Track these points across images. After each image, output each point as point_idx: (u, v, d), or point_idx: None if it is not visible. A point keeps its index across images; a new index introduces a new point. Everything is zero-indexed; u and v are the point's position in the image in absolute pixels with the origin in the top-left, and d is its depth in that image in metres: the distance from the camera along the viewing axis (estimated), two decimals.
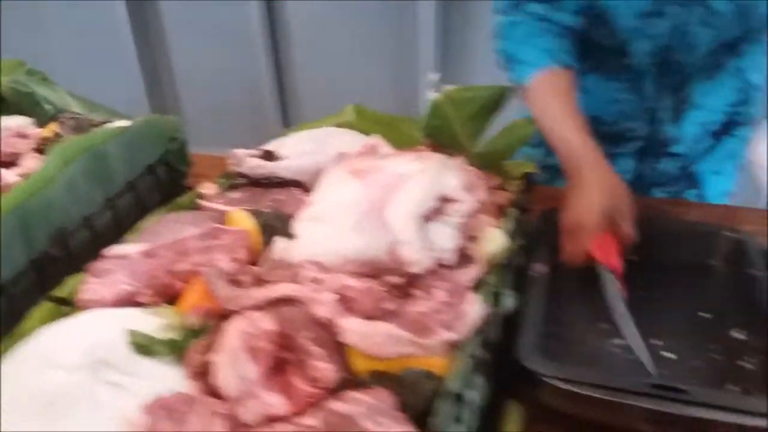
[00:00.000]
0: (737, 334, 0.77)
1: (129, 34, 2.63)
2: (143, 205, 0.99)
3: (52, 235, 0.83)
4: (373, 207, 0.67)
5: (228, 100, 2.67)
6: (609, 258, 0.78)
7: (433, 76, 0.92)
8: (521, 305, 0.73)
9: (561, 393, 0.65)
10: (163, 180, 1.05)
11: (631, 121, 1.05)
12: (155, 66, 2.77)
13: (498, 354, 0.67)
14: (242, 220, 0.74)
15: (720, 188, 1.13)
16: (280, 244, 0.69)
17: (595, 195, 0.78)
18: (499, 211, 0.85)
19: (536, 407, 0.69)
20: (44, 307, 0.69)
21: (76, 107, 1.14)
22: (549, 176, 1.09)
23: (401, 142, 0.99)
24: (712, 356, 0.74)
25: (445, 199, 0.71)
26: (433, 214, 0.70)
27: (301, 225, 0.70)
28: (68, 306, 0.69)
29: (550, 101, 0.89)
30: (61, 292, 0.71)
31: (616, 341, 0.76)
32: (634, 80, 1.02)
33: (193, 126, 2.88)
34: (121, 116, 1.12)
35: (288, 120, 2.63)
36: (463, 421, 0.59)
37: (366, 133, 0.99)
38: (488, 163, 0.95)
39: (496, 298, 0.70)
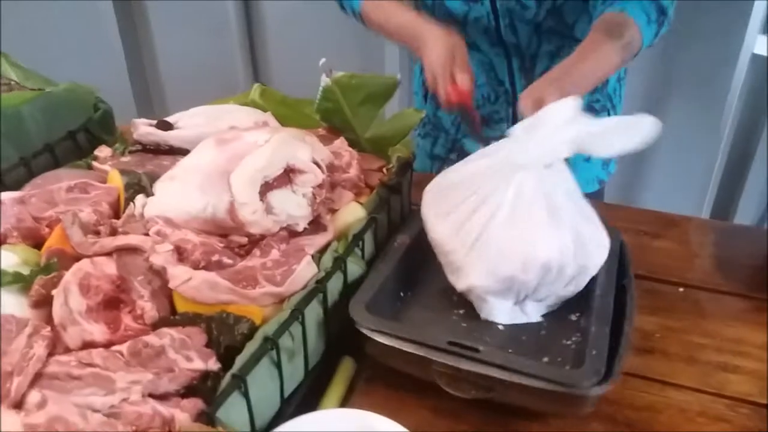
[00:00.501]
0: (572, 317, 0.83)
1: (116, 29, 2.73)
2: (60, 166, 1.07)
3: None
4: (220, 170, 0.74)
5: (207, 91, 2.75)
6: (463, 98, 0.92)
7: (324, 61, 0.98)
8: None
9: (378, 346, 0.72)
10: (84, 146, 1.11)
11: (492, 104, 1.15)
12: (141, 58, 2.86)
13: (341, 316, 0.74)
14: (114, 178, 0.81)
15: (591, 174, 1.22)
16: (139, 201, 0.77)
17: (436, 50, 0.94)
18: (369, 189, 0.92)
19: (367, 362, 0.76)
20: None
21: (13, 75, 1.21)
22: (437, 165, 1.16)
23: (302, 123, 1.06)
24: (541, 333, 0.81)
25: (294, 170, 0.77)
26: (281, 182, 0.77)
27: (159, 184, 0.78)
28: None
29: (384, 7, 1.06)
30: None
31: (457, 311, 0.83)
32: (488, 64, 1.13)
33: (176, 107, 2.98)
34: (55, 85, 1.20)
35: None
36: (280, 366, 0.66)
37: (270, 111, 1.06)
38: (378, 147, 1.03)
39: (342, 265, 0.77)
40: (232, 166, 0.74)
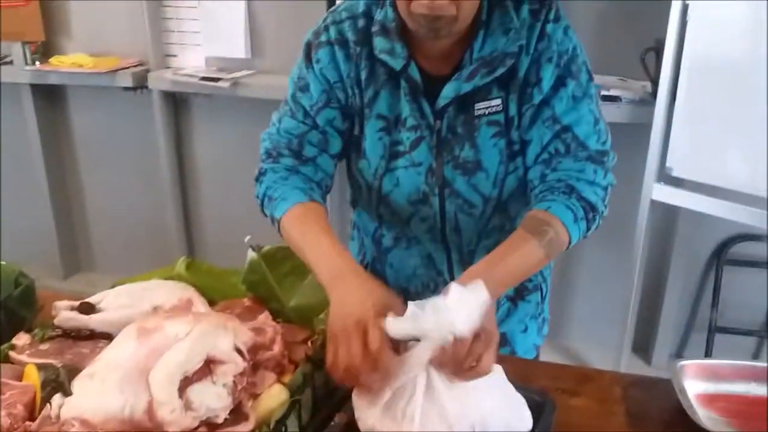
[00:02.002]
0: None
1: (42, 169, 2.75)
2: None
3: None
4: (140, 366, 0.75)
5: (135, 233, 2.77)
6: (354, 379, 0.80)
7: (249, 238, 1.02)
8: None
9: None
10: (2, 324, 1.10)
11: (432, 292, 1.14)
12: (67, 200, 2.87)
13: None
14: (30, 374, 0.80)
15: (528, 343, 1.25)
16: (56, 401, 0.75)
17: (347, 310, 0.82)
18: (293, 365, 0.93)
19: None
20: None
21: None
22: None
23: (229, 293, 1.09)
24: None
25: (214, 361, 0.79)
26: (201, 375, 0.78)
27: (77, 382, 0.77)
28: None
29: (305, 227, 0.98)
30: None
31: None
32: (427, 255, 1.15)
33: (101, 255, 2.96)
34: None
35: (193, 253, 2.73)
36: None
37: (195, 284, 1.08)
38: (302, 316, 1.05)
39: None
40: (152, 362, 0.75)
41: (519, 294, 1.20)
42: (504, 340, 1.22)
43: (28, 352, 0.90)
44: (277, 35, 2.37)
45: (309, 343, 0.99)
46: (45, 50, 2.57)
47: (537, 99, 0.99)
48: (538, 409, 0.89)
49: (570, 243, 0.97)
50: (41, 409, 0.77)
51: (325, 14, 1.08)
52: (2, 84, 2.62)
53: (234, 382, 0.80)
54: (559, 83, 0.99)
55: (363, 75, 1.04)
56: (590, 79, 1.02)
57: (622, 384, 1.11)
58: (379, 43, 1.01)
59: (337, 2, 2.12)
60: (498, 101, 1.01)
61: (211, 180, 2.68)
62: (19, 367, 0.87)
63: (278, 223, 1.02)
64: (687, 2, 1.73)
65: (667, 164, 1.86)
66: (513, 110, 1.01)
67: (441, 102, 1.01)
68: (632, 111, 1.97)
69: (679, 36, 1.77)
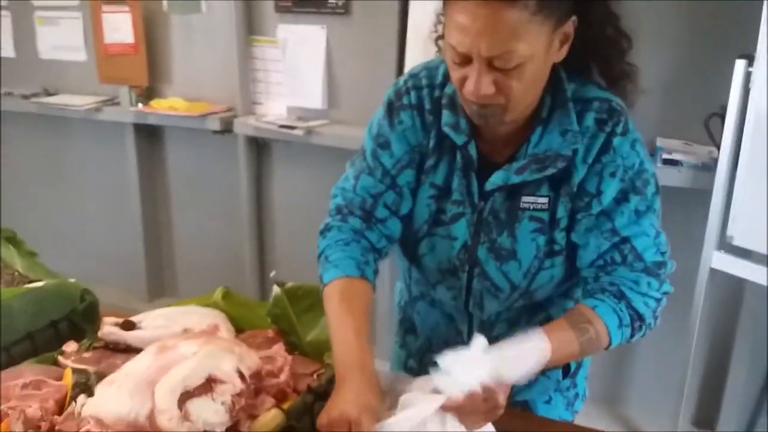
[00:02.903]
0: None
1: (137, 199, 3.02)
2: (38, 353, 1.18)
3: None
4: (150, 378, 0.85)
5: (214, 263, 2.97)
6: None
7: (274, 273, 1.11)
8: None
9: None
10: (64, 334, 1.24)
11: (451, 346, 1.07)
12: (157, 229, 3.13)
13: None
14: (66, 376, 0.92)
15: (554, 415, 1.23)
16: (80, 401, 0.87)
17: (332, 408, 0.86)
18: (297, 395, 1.00)
19: None
20: None
21: (19, 266, 1.38)
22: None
23: (257, 323, 1.19)
24: None
25: (215, 380, 0.87)
26: (202, 390, 0.86)
27: (99, 387, 0.88)
28: None
29: (342, 305, 0.99)
30: None
31: None
32: (450, 317, 1.17)
33: (183, 281, 3.18)
34: (55, 276, 1.36)
35: (264, 290, 2.88)
36: None
37: (228, 312, 1.19)
38: (317, 351, 1.13)
39: None
40: (161, 375, 0.85)
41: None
42: (525, 407, 1.22)
43: (72, 358, 1.03)
44: (351, 89, 2.52)
45: (315, 375, 1.06)
46: (148, 94, 2.86)
47: (596, 210, 0.99)
48: None
49: (609, 346, 0.98)
50: (68, 406, 0.89)
51: (405, 75, 1.10)
52: (110, 122, 2.93)
53: (232, 401, 0.88)
54: (622, 198, 0.98)
55: (431, 144, 1.06)
56: (656, 192, 1.01)
57: None
58: (446, 116, 1.03)
59: (407, 65, 2.27)
60: (545, 200, 1.01)
61: (285, 219, 2.84)
62: (62, 370, 1.00)
63: (323, 287, 1.03)
64: (750, 69, 1.71)
65: (728, 232, 1.80)
66: (561, 212, 1.01)
67: (489, 186, 1.02)
68: (694, 176, 1.93)
69: (742, 101, 1.73)
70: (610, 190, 0.98)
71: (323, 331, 1.14)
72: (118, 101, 2.89)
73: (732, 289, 2.08)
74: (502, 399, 0.87)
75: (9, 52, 3.23)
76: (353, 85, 2.50)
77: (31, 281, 1.29)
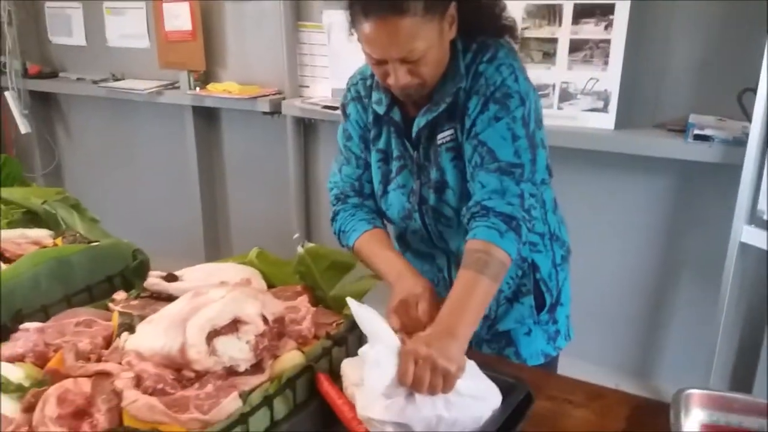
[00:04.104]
0: None
1: (196, 177, 3.21)
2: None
3: (13, 314, 1.19)
4: (182, 317, 0.97)
5: (265, 234, 3.13)
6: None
7: (297, 236, 1.24)
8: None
9: None
10: (118, 288, 1.39)
11: (435, 287, 1.29)
12: (214, 204, 3.32)
13: None
14: (113, 318, 1.07)
15: (535, 348, 1.36)
16: (123, 337, 1.01)
17: (396, 296, 1.14)
18: (315, 340, 1.12)
19: None
20: None
21: (80, 228, 1.55)
22: None
23: (286, 280, 1.31)
24: None
25: (240, 321, 0.99)
26: (228, 330, 0.99)
27: (140, 326, 1.02)
28: None
29: (373, 248, 1.25)
30: None
31: None
32: (430, 256, 1.36)
33: (237, 251, 3.35)
34: (110, 237, 1.52)
35: None
36: None
37: (261, 270, 1.31)
38: (338, 305, 1.24)
39: (269, 403, 0.96)
40: (192, 315, 0.98)
41: (514, 296, 1.34)
42: (508, 339, 1.36)
43: (121, 305, 1.17)
44: None
45: (335, 325, 1.17)
46: (205, 78, 3.04)
47: (467, 124, 1.17)
48: (512, 391, 1.00)
49: (511, 257, 1.09)
50: (114, 342, 1.03)
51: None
52: (170, 105, 3.12)
53: (256, 341, 1.00)
54: (483, 107, 1.15)
55: (370, 119, 1.31)
56: (521, 105, 1.14)
57: (630, 405, 1.16)
58: (374, 95, 1.27)
59: None
60: (451, 131, 1.21)
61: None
62: (111, 314, 1.14)
63: (352, 249, 1.29)
64: None
65: (759, 207, 1.80)
66: (461, 137, 1.20)
67: (414, 135, 1.23)
68: (725, 151, 1.93)
69: None
70: (474, 103, 1.16)
71: (344, 287, 1.25)
72: (178, 85, 3.08)
73: (763, 263, 2.07)
74: (435, 355, 0.92)
75: (80, 40, 3.48)
76: None
77: (90, 242, 1.45)
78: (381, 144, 1.31)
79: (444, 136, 1.22)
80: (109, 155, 3.61)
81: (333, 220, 1.36)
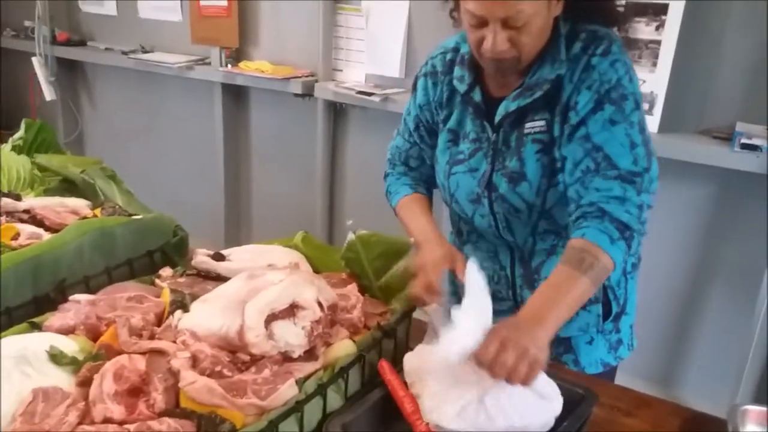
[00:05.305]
0: None
1: (221, 154, 3.19)
2: (135, 277, 1.32)
3: (56, 284, 1.17)
4: (240, 299, 0.95)
5: (288, 217, 3.11)
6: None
7: (351, 222, 1.21)
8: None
9: None
10: (158, 263, 1.37)
11: (495, 284, 1.29)
12: (237, 183, 3.30)
13: None
14: (165, 295, 1.04)
15: (595, 357, 1.31)
16: (177, 315, 0.98)
17: (423, 259, 1.14)
18: (367, 330, 1.09)
19: None
20: (22, 326, 1.01)
21: (119, 199, 1.53)
22: None
23: (331, 266, 1.28)
24: None
25: (298, 306, 0.97)
26: (285, 314, 0.96)
27: (195, 304, 0.99)
28: (36, 328, 1.01)
29: (410, 211, 1.29)
30: (38, 320, 1.03)
31: None
32: (493, 251, 1.30)
33: (258, 233, 3.34)
34: (149, 212, 1.50)
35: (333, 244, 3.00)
36: None
37: (306, 254, 1.29)
38: (386, 295, 1.22)
39: (323, 391, 0.94)
40: (250, 296, 0.95)
41: None
42: (567, 345, 1.31)
43: (168, 281, 1.15)
44: None
45: (384, 315, 1.14)
46: (236, 55, 3.00)
47: (573, 120, 1.10)
48: (579, 401, 0.97)
49: (615, 265, 1.04)
50: (166, 319, 1.00)
51: None
52: (199, 80, 3.09)
53: (311, 327, 0.98)
54: (597, 106, 1.08)
55: (444, 98, 1.26)
56: (636, 108, 1.09)
57: (681, 416, 1.14)
58: (456, 71, 1.22)
59: None
60: (543, 122, 1.14)
61: (356, 181, 2.94)
62: (159, 289, 1.12)
63: (395, 210, 1.34)
64: None
65: None
66: (557, 131, 1.13)
67: (497, 118, 1.17)
68: None
69: None
70: (584, 99, 1.09)
71: (393, 276, 1.23)
72: (208, 61, 3.04)
73: None
74: (523, 341, 0.90)
75: (111, 10, 3.45)
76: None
77: (130, 215, 1.43)
78: (452, 123, 1.25)
79: (534, 125, 1.15)
80: (133, 128, 3.58)
81: (385, 178, 1.40)
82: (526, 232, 1.23)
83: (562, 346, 1.30)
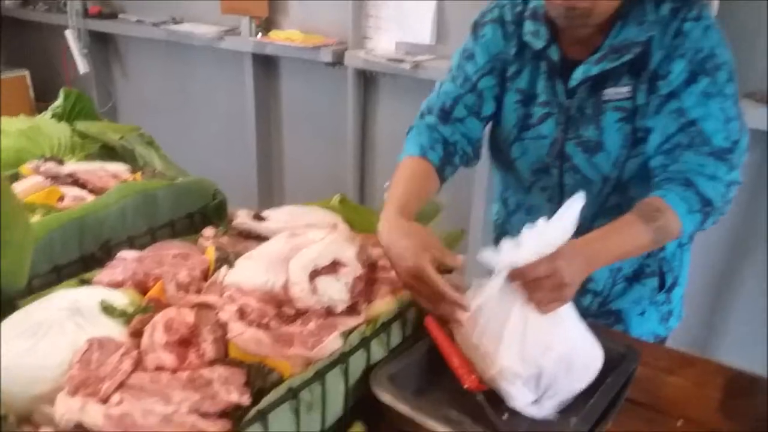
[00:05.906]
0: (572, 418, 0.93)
1: (253, 124, 3.20)
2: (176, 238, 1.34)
3: (101, 244, 1.20)
4: (283, 256, 0.96)
5: (319, 185, 3.13)
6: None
7: (387, 184, 1.20)
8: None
9: (393, 413, 0.87)
10: (198, 225, 1.39)
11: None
12: (269, 152, 3.31)
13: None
14: (209, 252, 1.06)
15: (647, 328, 1.28)
16: (222, 271, 1.00)
17: (403, 257, 0.98)
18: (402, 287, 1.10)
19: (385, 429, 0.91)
20: (72, 281, 1.04)
21: (157, 164, 1.55)
22: None
23: (367, 228, 1.28)
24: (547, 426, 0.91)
25: (339, 263, 0.98)
26: (328, 271, 0.97)
27: (239, 261, 1.01)
28: (86, 283, 1.03)
29: (400, 177, 1.14)
30: (87, 276, 1.06)
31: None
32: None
33: (290, 201, 3.36)
34: (187, 175, 1.51)
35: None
36: (298, 413, 0.84)
37: (344, 216, 1.29)
38: None
39: (366, 344, 0.95)
40: (293, 254, 0.96)
41: (635, 276, 1.25)
42: (618, 317, 1.28)
43: (211, 240, 1.17)
44: (460, 25, 2.53)
45: None
46: (266, 25, 2.99)
47: (664, 90, 1.03)
48: (620, 359, 0.97)
49: (683, 233, 1.00)
50: (212, 275, 1.02)
51: None
52: (230, 51, 3.09)
53: (353, 283, 0.99)
54: (691, 78, 1.02)
55: (513, 52, 1.16)
56: (729, 79, 1.02)
57: (725, 375, 1.13)
58: (528, 25, 1.13)
59: None
60: (627, 89, 1.07)
61: (387, 149, 2.93)
62: (203, 248, 1.14)
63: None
64: None
65: None
66: (641, 99, 1.06)
67: (572, 83, 1.09)
68: None
69: None
70: (678, 70, 1.02)
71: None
72: (239, 31, 3.04)
73: None
74: (567, 276, 0.88)
75: None
76: (462, 21, 2.51)
77: (168, 177, 1.45)
78: (522, 83, 1.16)
79: (617, 92, 1.07)
80: (165, 98, 3.61)
81: (407, 134, 1.25)
82: (591, 208, 1.15)
83: (612, 316, 1.27)
